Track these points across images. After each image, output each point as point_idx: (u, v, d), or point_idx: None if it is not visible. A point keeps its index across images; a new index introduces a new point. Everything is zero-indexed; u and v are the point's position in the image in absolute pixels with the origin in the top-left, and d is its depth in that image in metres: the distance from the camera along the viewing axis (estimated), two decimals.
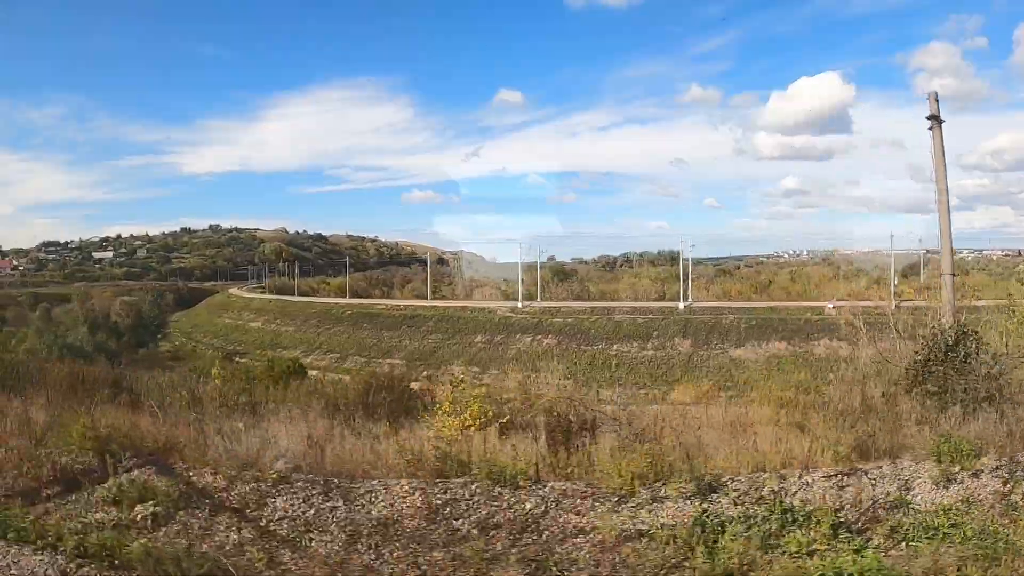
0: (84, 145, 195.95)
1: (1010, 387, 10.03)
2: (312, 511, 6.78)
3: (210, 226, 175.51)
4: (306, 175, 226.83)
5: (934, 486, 6.93)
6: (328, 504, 6.88)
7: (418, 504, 6.82)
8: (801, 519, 6.09)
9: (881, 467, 7.08)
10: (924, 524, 6.22)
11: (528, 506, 6.68)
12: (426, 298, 71.79)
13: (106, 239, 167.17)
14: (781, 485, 6.68)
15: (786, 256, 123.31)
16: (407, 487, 7.04)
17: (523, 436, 7.95)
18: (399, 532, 6.43)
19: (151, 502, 6.69)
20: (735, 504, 6.42)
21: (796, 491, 6.65)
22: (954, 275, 15.37)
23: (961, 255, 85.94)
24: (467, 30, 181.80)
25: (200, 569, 5.35)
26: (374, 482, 7.15)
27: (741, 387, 19.79)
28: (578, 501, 6.62)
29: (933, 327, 13.76)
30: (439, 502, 6.86)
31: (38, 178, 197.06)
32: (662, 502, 6.51)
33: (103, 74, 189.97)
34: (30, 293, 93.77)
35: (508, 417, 8.65)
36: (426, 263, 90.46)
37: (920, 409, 9.13)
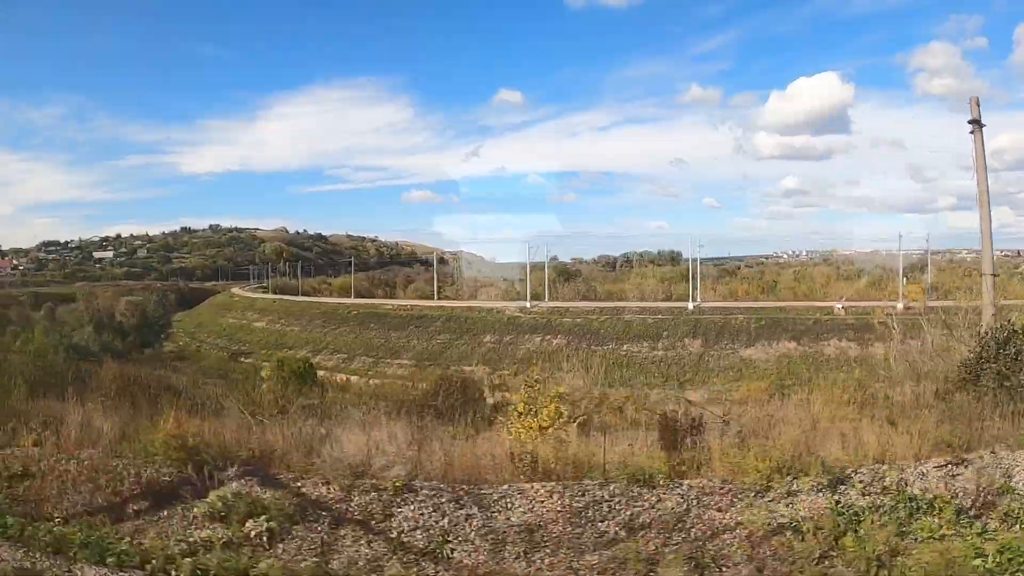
0: (84, 145, 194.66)
1: None
2: (445, 520, 6.49)
3: (210, 226, 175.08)
4: (306, 175, 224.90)
5: None
6: (462, 512, 6.60)
7: (558, 508, 6.59)
8: (924, 507, 6.35)
9: (982, 457, 7.24)
10: None
11: (670, 504, 6.62)
12: (431, 298, 71.66)
13: (106, 239, 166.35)
14: (900, 476, 6.80)
15: (786, 256, 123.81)
16: (543, 491, 6.80)
17: (624, 436, 7.93)
18: (545, 538, 6.18)
19: (263, 516, 6.27)
20: (863, 495, 6.54)
21: (914, 480, 6.80)
22: (995, 275, 15.48)
23: (960, 255, 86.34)
24: (467, 30, 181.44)
25: None
26: (505, 487, 6.89)
27: (789, 387, 19.87)
28: (717, 498, 6.61)
29: (980, 327, 13.89)
30: (579, 505, 6.65)
31: (38, 178, 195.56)
32: (795, 495, 6.57)
33: (103, 74, 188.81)
34: (31, 293, 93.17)
35: (585, 417, 8.64)
36: (427, 263, 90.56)
37: (991, 404, 9.30)
